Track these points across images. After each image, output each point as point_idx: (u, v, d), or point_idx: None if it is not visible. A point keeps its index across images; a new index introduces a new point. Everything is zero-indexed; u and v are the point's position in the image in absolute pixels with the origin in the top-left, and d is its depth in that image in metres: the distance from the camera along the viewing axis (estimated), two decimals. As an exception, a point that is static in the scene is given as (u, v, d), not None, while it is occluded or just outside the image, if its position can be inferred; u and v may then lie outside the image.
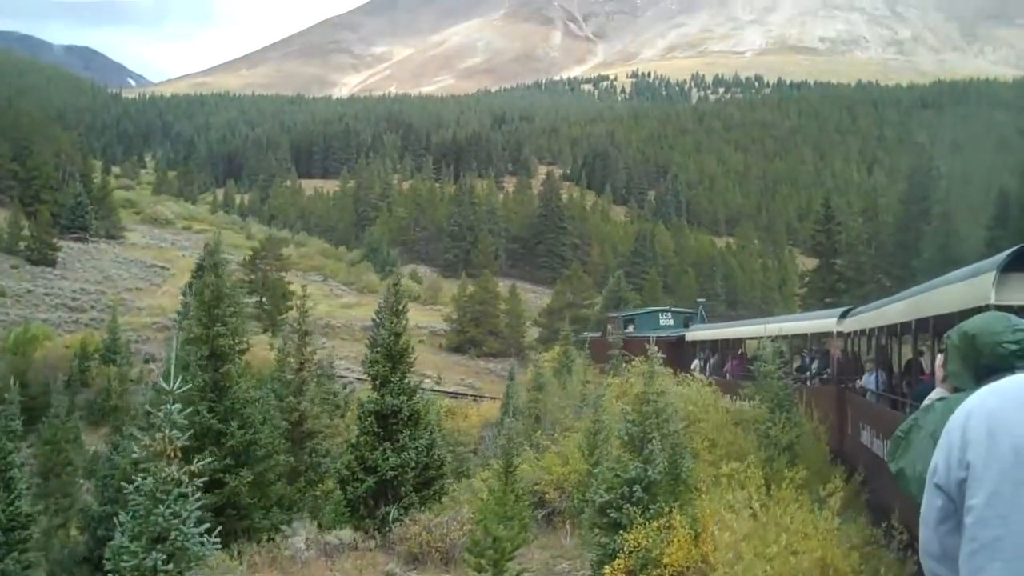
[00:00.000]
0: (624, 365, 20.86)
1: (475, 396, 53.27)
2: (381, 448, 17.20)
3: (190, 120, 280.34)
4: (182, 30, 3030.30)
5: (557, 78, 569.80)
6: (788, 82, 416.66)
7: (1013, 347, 3.76)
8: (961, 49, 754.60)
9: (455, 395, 53.79)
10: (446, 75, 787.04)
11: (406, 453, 17.08)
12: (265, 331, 73.35)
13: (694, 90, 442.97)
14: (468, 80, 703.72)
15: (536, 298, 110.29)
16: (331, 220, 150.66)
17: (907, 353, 15.87)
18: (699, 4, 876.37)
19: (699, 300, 71.18)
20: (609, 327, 52.71)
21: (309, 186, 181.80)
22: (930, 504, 3.05)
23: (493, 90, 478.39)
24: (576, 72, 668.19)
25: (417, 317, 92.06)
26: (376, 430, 17.37)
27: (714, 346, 36.70)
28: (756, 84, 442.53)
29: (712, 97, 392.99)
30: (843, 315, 23.17)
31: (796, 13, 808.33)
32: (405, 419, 17.50)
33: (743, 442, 15.46)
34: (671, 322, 51.95)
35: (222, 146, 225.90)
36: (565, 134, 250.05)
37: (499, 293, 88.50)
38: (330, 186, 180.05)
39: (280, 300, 79.36)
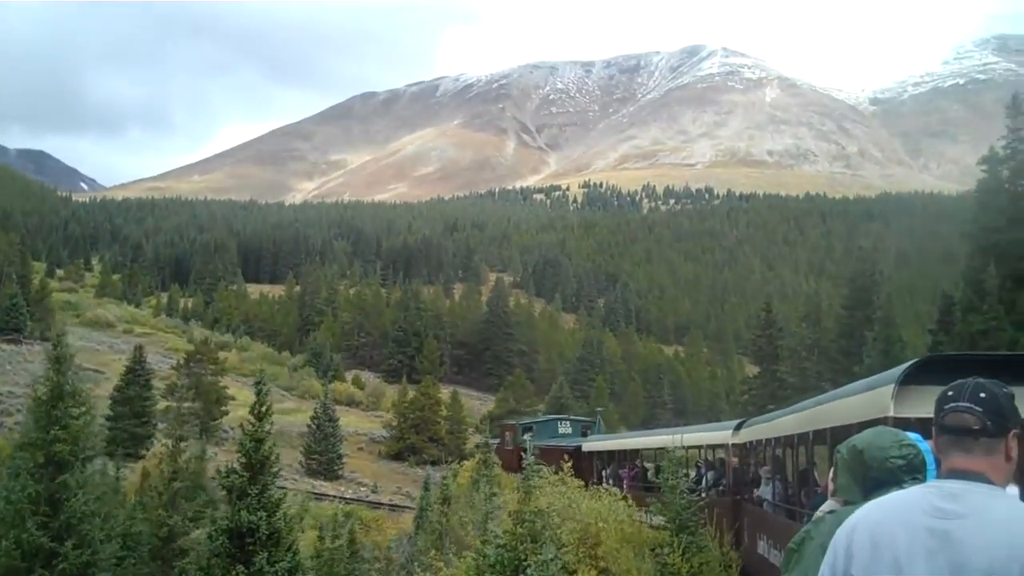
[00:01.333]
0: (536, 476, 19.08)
1: (393, 506, 50.93)
2: (234, 572, 14.98)
3: (139, 224, 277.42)
4: (139, 137, 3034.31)
5: (510, 187, 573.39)
6: (737, 194, 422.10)
7: (900, 462, 3.99)
8: (906, 164, 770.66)
9: (376, 505, 51.37)
10: (400, 183, 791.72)
11: (263, 579, 14.91)
12: (198, 437, 70.53)
13: (645, 200, 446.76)
14: (421, 188, 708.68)
15: (480, 404, 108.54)
16: (275, 324, 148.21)
17: (804, 464, 15.69)
18: (650, 118, 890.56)
19: (598, 409, 69.65)
20: (507, 435, 51.32)
21: (256, 290, 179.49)
22: None
23: (446, 198, 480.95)
24: (529, 182, 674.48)
25: (357, 423, 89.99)
26: (230, 551, 15.19)
27: (611, 456, 36.08)
28: (706, 195, 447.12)
29: (663, 208, 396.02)
30: (738, 427, 23.10)
31: (745, 127, 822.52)
32: (263, 539, 15.28)
33: (637, 572, 13.09)
34: (569, 430, 50.89)
35: (169, 250, 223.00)
36: (516, 242, 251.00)
37: (440, 399, 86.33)
38: (277, 291, 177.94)
39: (214, 405, 76.68)
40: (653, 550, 13.66)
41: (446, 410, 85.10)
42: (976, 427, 3.16)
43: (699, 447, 26.95)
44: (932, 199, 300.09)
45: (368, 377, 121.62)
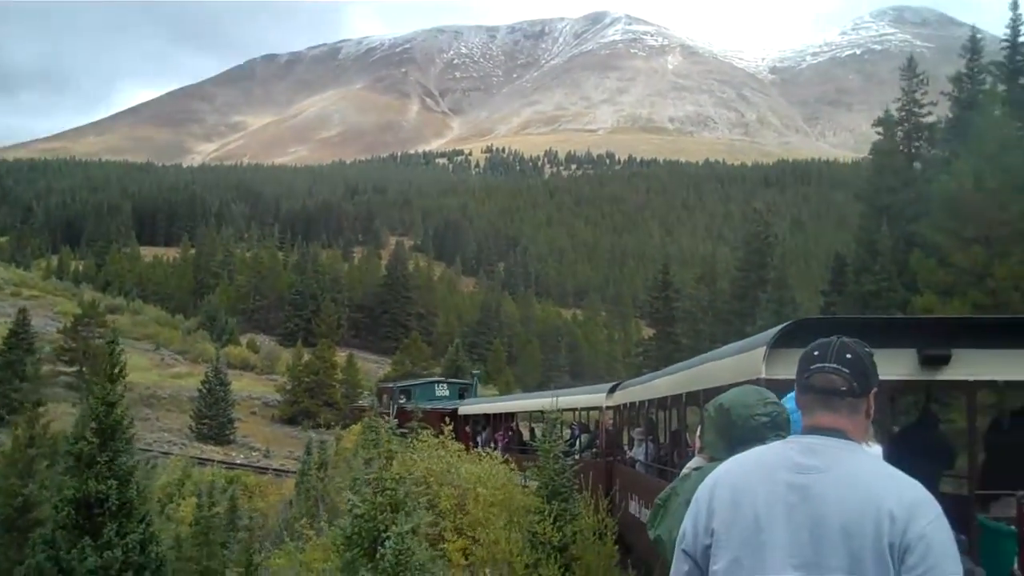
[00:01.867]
0: (413, 440, 18.67)
1: (278, 471, 49.87)
2: (80, 545, 14.06)
3: (30, 185, 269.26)
4: (33, 97, 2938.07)
5: (412, 151, 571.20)
6: (638, 159, 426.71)
7: (764, 419, 4.18)
8: (803, 132, 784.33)
9: (262, 470, 50.23)
10: (301, 146, 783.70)
11: (111, 552, 13.92)
12: (80, 402, 68.59)
13: (547, 166, 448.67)
14: (323, 151, 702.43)
15: (378, 368, 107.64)
16: (169, 288, 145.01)
17: (677, 425, 16.01)
18: (553, 84, 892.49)
19: (474, 372, 69.48)
20: (384, 398, 50.96)
21: (149, 253, 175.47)
22: (678, 569, 3.25)
23: (348, 162, 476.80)
24: (432, 146, 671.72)
25: (251, 387, 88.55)
26: (77, 522, 14.23)
27: (487, 420, 36.13)
28: (607, 161, 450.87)
29: (564, 173, 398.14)
30: (612, 389, 23.34)
31: (647, 94, 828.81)
32: (114, 510, 14.33)
33: (506, 542, 12.36)
34: (447, 393, 51.49)
35: (61, 211, 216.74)
36: (418, 206, 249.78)
37: (336, 362, 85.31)
38: (171, 253, 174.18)
39: (103, 370, 74.54)
40: (524, 519, 13.02)
41: (341, 373, 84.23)
42: (843, 388, 3.17)
43: (574, 410, 27.08)
44: (828, 166, 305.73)
45: (264, 340, 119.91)
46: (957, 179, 32.42)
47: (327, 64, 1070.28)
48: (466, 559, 12.77)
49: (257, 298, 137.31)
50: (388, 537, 9.82)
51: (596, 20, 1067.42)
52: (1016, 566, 8.36)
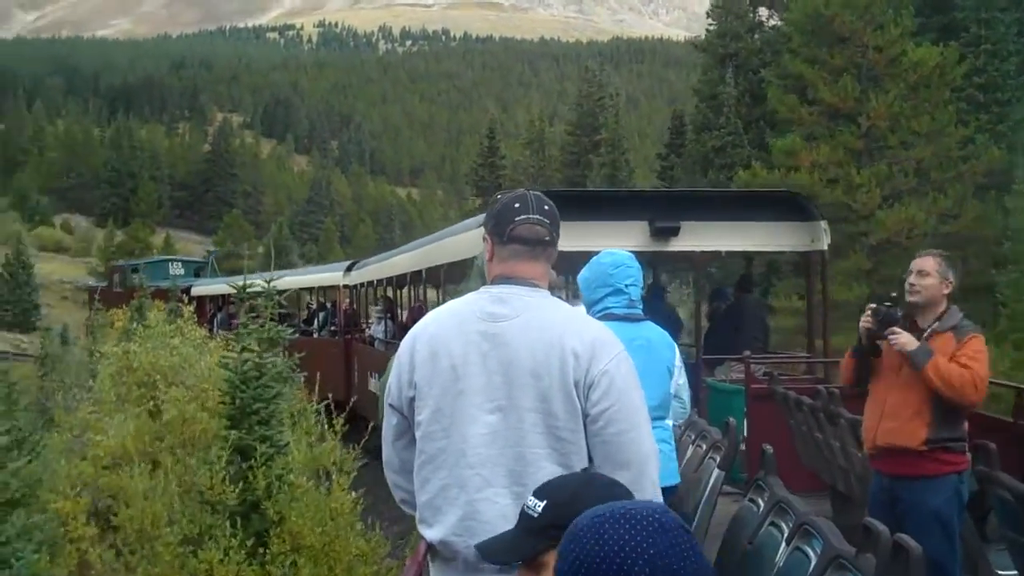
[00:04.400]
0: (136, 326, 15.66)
1: (18, 354, 45.98)
2: None
3: None
4: None
5: (241, 25, 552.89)
6: (474, 36, 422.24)
7: None
8: (637, 10, 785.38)
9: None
10: (123, 19, 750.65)
11: None
12: None
13: (381, 42, 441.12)
14: (147, 24, 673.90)
15: (201, 248, 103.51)
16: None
17: (416, 301, 17.02)
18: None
19: (209, 250, 66.77)
20: (115, 277, 48.35)
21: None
22: (388, 423, 3.42)
23: (173, 36, 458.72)
24: (261, 20, 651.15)
25: (63, 270, 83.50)
26: None
27: (224, 300, 34.70)
28: (443, 37, 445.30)
29: (399, 49, 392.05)
30: (349, 268, 23.80)
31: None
32: None
33: (149, 507, 7.09)
34: (182, 272, 49.36)
35: None
36: (247, 82, 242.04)
37: (151, 243, 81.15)
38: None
39: None
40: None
41: (157, 254, 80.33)
42: (547, 238, 3.34)
43: (311, 289, 27.99)
44: (662, 44, 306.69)
45: (80, 221, 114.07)
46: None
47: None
48: (102, 538, 7.85)
49: (72, 175, 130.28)
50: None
51: None
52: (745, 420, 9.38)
